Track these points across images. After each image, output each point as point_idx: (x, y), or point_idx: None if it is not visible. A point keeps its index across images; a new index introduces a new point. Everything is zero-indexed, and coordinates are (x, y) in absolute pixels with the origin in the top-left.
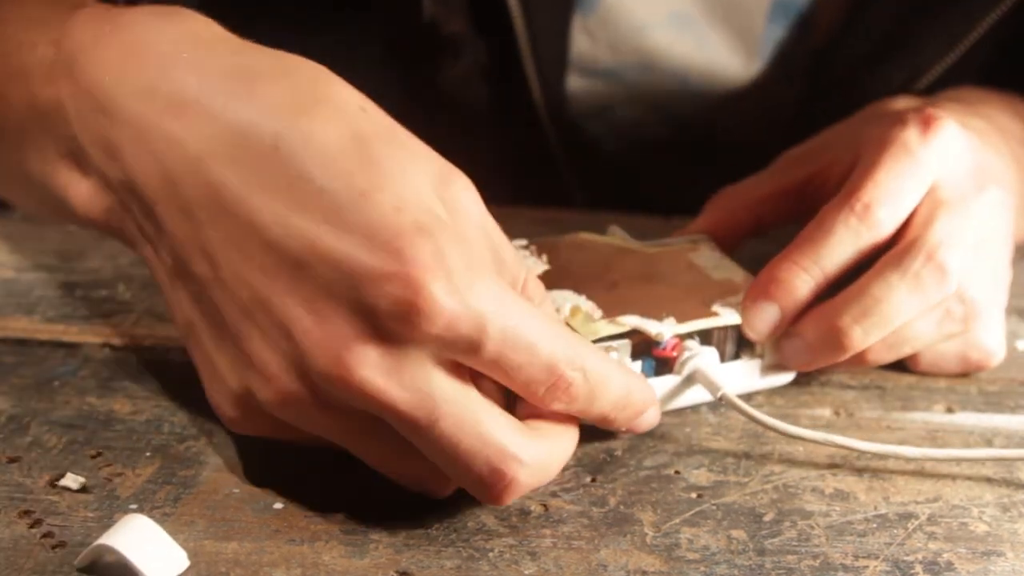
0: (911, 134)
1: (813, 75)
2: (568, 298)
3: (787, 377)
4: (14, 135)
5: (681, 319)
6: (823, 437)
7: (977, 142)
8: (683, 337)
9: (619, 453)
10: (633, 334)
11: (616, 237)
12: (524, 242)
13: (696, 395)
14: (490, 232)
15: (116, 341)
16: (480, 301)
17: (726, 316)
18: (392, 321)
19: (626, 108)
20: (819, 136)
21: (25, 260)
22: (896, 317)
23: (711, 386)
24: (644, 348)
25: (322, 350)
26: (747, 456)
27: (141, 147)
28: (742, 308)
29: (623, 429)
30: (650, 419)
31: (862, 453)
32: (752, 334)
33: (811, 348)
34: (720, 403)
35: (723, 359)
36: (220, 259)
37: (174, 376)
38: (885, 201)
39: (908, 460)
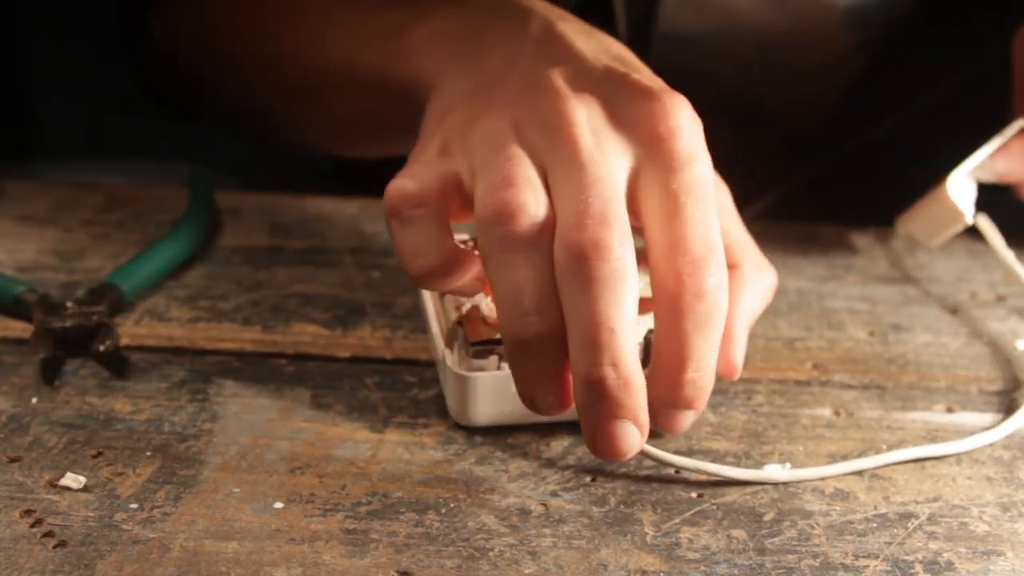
0: None
1: (887, 49)
2: (475, 298)
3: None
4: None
5: None
6: (693, 464)
7: None
8: None
9: None
10: None
11: None
12: (465, 236)
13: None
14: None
15: (117, 340)
16: None
17: None
18: None
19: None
20: None
21: (25, 260)
22: None
23: None
24: None
25: None
26: (747, 456)
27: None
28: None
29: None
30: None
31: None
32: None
33: None
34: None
35: None
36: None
37: (174, 376)
38: None
39: (775, 484)
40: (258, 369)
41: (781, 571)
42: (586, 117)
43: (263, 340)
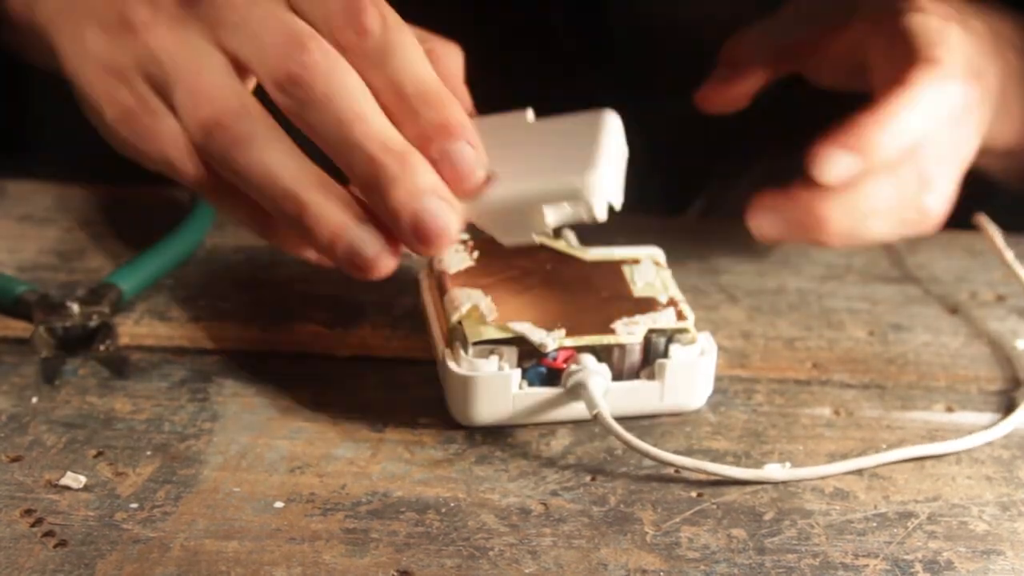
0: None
1: None
2: (472, 297)
3: (692, 402)
4: None
5: (573, 332)
6: (694, 464)
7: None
8: (579, 350)
9: (619, 452)
10: (520, 341)
11: (562, 242)
12: (465, 236)
13: (578, 410)
14: None
15: (117, 340)
16: None
17: (622, 335)
18: None
19: None
20: None
21: (25, 260)
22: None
23: (589, 403)
24: (533, 356)
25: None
26: (747, 455)
27: None
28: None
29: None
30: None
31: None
32: (821, 177)
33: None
34: (595, 420)
35: (621, 378)
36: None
37: (174, 376)
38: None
39: (775, 484)
40: (258, 369)
41: (781, 570)
42: None
43: (263, 339)
